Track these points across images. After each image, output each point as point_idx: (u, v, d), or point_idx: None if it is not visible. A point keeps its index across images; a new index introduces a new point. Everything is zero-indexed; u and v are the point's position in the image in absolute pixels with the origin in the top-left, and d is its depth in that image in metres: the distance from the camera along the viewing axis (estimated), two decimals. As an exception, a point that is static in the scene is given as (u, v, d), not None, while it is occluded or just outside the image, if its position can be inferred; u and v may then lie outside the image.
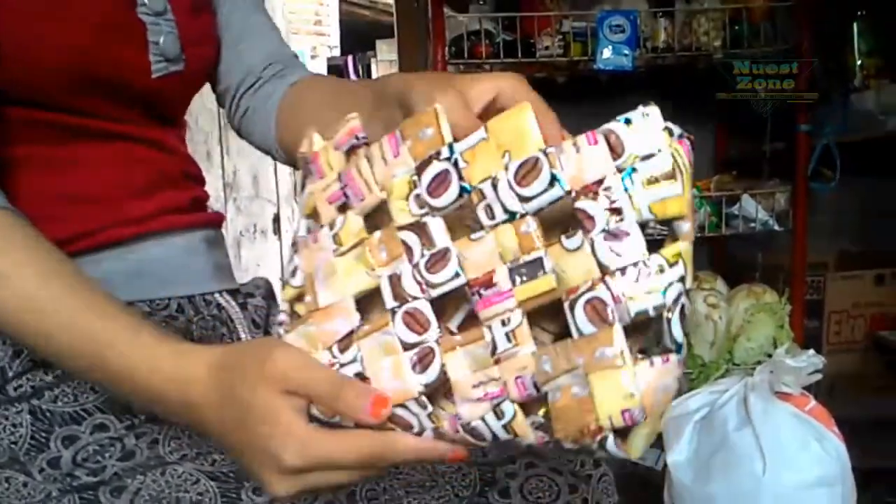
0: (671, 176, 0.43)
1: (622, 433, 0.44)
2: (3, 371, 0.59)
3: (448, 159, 0.45)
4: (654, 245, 0.44)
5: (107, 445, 0.59)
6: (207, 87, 0.82)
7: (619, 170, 0.43)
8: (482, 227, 0.45)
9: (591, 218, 0.43)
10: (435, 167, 0.46)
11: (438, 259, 0.45)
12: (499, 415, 0.45)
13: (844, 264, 2.08)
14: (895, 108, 1.84)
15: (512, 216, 0.44)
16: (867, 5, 1.91)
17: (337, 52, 5.84)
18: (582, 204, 0.43)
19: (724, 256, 2.12)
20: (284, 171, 2.96)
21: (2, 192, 0.56)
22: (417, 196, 0.46)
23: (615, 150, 0.43)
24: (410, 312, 0.46)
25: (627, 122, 0.43)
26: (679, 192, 0.43)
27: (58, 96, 0.62)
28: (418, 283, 0.46)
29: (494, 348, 0.45)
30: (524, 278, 0.44)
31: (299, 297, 0.50)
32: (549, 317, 0.48)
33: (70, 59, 0.60)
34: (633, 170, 0.43)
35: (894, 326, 2.02)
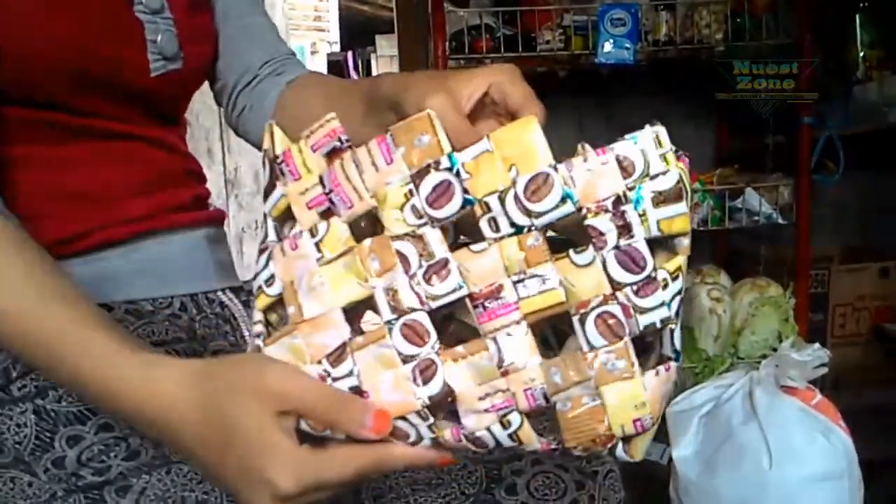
0: (678, 194, 0.44)
1: (628, 439, 0.46)
2: (7, 371, 0.59)
3: (449, 170, 0.45)
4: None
5: (112, 445, 0.58)
6: (208, 84, 0.81)
7: (629, 188, 0.44)
8: (483, 239, 0.45)
9: (602, 235, 0.44)
10: (434, 177, 0.45)
11: (437, 270, 0.45)
12: (505, 425, 0.46)
13: (848, 257, 2.08)
14: (898, 100, 1.84)
15: (518, 230, 0.44)
16: (869, -3, 1.91)
17: (337, 48, 5.85)
18: (593, 221, 0.44)
19: (727, 250, 2.12)
20: (286, 168, 2.95)
21: None
22: (414, 206, 0.45)
23: (626, 169, 0.44)
24: (409, 324, 0.45)
25: (636, 140, 0.44)
26: (685, 210, 0.44)
27: (57, 96, 0.62)
28: (417, 294, 0.45)
29: (501, 360, 0.45)
30: (531, 291, 0.44)
31: (272, 307, 0.49)
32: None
33: (68, 58, 0.60)
34: (643, 188, 0.44)
35: (899, 319, 2.03)
